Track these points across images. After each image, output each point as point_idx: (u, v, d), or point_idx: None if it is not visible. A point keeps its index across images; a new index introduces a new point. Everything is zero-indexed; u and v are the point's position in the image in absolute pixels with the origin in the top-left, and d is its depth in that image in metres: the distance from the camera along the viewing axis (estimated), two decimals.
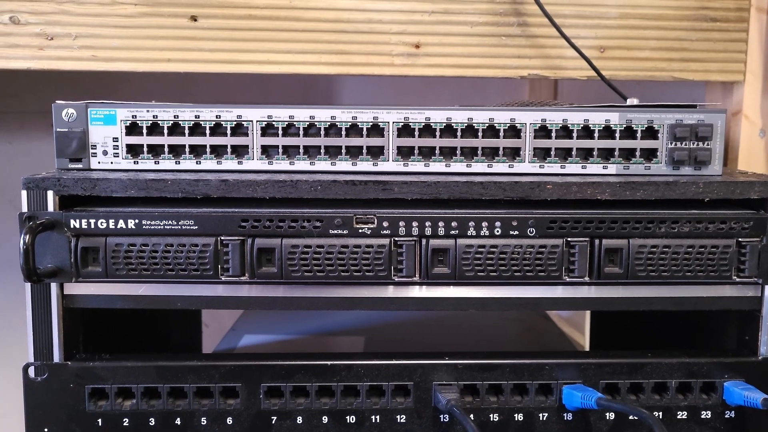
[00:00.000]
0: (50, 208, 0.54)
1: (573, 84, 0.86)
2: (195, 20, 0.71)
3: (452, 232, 0.54)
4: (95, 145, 0.58)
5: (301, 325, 0.92)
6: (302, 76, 0.74)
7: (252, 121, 0.58)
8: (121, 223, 0.54)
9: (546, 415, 0.56)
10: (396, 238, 0.54)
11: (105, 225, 0.54)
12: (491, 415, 0.55)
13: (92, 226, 0.54)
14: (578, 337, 1.08)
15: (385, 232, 0.54)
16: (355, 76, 0.78)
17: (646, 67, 0.76)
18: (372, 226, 0.54)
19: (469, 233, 0.54)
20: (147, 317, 0.70)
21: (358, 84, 1.13)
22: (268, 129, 0.58)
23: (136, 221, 0.54)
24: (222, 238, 0.54)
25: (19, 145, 1.14)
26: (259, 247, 0.54)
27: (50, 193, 0.54)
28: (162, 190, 0.54)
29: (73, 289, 0.55)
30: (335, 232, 0.54)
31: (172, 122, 0.58)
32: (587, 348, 0.94)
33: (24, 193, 0.53)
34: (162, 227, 0.54)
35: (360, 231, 0.54)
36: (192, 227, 0.54)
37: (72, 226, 0.54)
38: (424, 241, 0.54)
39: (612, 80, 0.74)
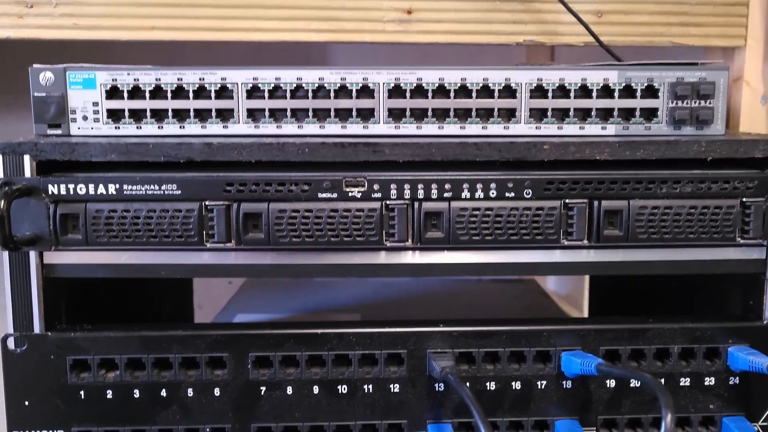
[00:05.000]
0: (27, 173, 0.52)
1: (570, 52, 0.84)
2: None
3: (446, 194, 0.52)
4: (74, 110, 0.56)
5: (295, 304, 0.91)
6: (291, 44, 0.72)
7: (237, 83, 0.56)
8: (101, 189, 0.52)
9: (544, 382, 0.54)
10: (387, 202, 0.52)
11: (84, 191, 0.52)
12: (488, 384, 0.54)
13: (71, 192, 0.52)
14: (576, 315, 1.07)
15: (376, 195, 0.52)
16: (347, 45, 0.76)
17: (644, 32, 0.74)
18: (362, 190, 0.52)
19: (463, 196, 0.52)
20: (136, 289, 0.68)
21: (350, 54, 1.11)
22: (253, 92, 0.56)
23: (117, 186, 0.52)
24: (206, 203, 0.52)
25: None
26: (245, 212, 0.52)
27: (27, 158, 0.52)
28: (143, 154, 0.52)
29: (53, 258, 0.53)
30: (324, 195, 0.52)
31: (154, 86, 0.56)
32: None
33: None
34: (144, 192, 0.52)
35: (350, 194, 0.52)
36: (175, 192, 0.52)
37: (50, 192, 0.52)
38: (416, 204, 0.52)
39: (610, 46, 0.71)
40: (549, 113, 0.56)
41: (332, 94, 0.56)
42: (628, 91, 0.56)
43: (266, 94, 0.56)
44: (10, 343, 0.52)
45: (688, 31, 0.75)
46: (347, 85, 0.56)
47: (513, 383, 0.54)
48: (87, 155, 0.52)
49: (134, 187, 0.52)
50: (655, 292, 0.71)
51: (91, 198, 0.52)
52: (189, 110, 0.56)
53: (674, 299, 0.67)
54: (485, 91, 0.56)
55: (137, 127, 0.56)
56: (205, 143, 0.52)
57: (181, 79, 0.56)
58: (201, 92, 0.56)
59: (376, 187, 0.52)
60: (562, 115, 0.56)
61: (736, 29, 0.75)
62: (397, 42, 0.73)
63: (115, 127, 0.56)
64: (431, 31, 0.72)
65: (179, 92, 0.56)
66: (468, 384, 0.53)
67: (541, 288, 1.04)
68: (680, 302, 0.66)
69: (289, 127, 0.56)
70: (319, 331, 0.53)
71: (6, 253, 0.52)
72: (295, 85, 0.56)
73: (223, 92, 0.56)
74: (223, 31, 0.70)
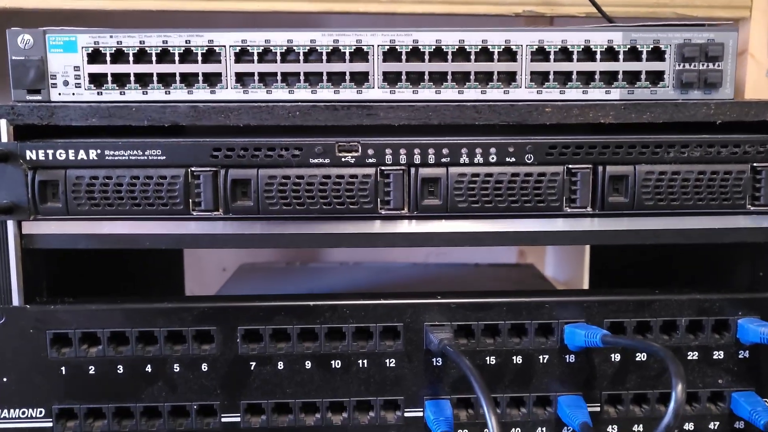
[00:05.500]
0: (3, 138, 0.49)
1: (570, 24, 0.82)
2: None
3: (443, 159, 0.50)
4: (55, 75, 0.53)
5: (289, 289, 0.89)
6: (283, 15, 0.70)
7: (225, 46, 0.53)
8: (81, 154, 0.49)
9: (546, 357, 0.52)
10: (382, 168, 0.50)
11: (64, 156, 0.49)
12: (487, 358, 0.51)
13: (50, 158, 0.49)
14: None
15: (370, 160, 0.50)
16: (340, 15, 0.74)
17: (647, 2, 0.72)
18: (356, 155, 0.50)
19: (461, 161, 0.50)
20: (124, 262, 0.66)
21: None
22: (242, 55, 0.53)
23: (98, 151, 0.49)
24: (192, 169, 0.50)
25: None
26: (233, 179, 0.50)
27: (3, 122, 0.49)
28: (126, 117, 0.50)
29: (32, 228, 0.50)
30: (316, 161, 0.50)
31: (138, 49, 0.53)
32: None
33: None
34: (127, 158, 0.50)
35: (343, 160, 0.50)
36: (159, 157, 0.50)
37: (28, 158, 0.49)
38: (412, 170, 0.50)
39: (612, 17, 0.69)
40: (551, 77, 0.54)
41: (324, 57, 0.53)
42: (633, 54, 0.54)
43: (255, 58, 0.53)
44: None
45: (692, 2, 0.72)
46: (340, 47, 0.53)
47: (514, 357, 0.51)
48: (67, 119, 0.50)
49: (117, 153, 0.49)
50: (659, 275, 0.68)
51: (71, 164, 0.49)
52: (175, 75, 0.53)
53: (680, 273, 0.65)
54: (484, 54, 0.53)
55: (120, 93, 0.54)
56: (191, 106, 0.50)
57: (167, 42, 0.53)
58: (187, 56, 0.53)
59: (370, 152, 0.50)
60: (564, 79, 0.54)
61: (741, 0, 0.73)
62: (392, 12, 0.71)
63: (98, 93, 0.54)
64: (427, 1, 0.70)
65: (164, 56, 0.53)
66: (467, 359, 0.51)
67: (540, 272, 1.02)
68: (687, 276, 0.64)
69: (280, 93, 0.54)
70: (311, 303, 0.51)
71: None
72: (285, 47, 0.53)
73: (211, 56, 0.54)
74: (212, 0, 0.68)
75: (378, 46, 0.53)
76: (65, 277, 0.55)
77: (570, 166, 0.50)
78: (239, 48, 0.53)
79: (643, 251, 0.64)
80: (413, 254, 1.11)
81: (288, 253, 1.11)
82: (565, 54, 0.54)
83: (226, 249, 1.07)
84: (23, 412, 0.51)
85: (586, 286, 1.01)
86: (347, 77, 0.53)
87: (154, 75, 0.53)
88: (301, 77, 0.54)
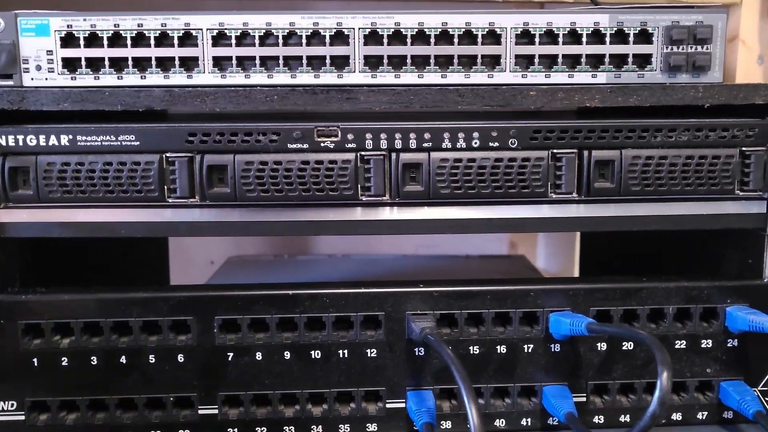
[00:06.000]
0: None
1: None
2: None
3: (425, 144, 0.49)
4: (27, 59, 0.52)
5: (277, 280, 0.87)
6: (265, 1, 0.68)
7: (201, 29, 0.52)
8: (53, 140, 0.48)
9: (531, 346, 0.50)
10: (362, 153, 0.49)
11: (35, 142, 0.48)
12: (471, 348, 0.50)
13: (21, 144, 0.48)
14: None
15: (350, 145, 0.49)
16: (323, 2, 0.73)
17: None
18: (335, 140, 0.49)
19: (443, 146, 0.49)
20: (104, 253, 0.64)
21: None
22: (220, 39, 0.52)
23: (70, 137, 0.48)
24: (167, 155, 0.48)
25: None
26: (209, 165, 0.48)
27: None
28: (99, 102, 0.48)
29: (3, 216, 0.49)
30: (294, 146, 0.49)
31: (112, 32, 0.52)
32: None
33: None
34: (99, 143, 0.48)
35: (322, 145, 0.49)
36: (133, 143, 0.48)
37: None
38: (393, 155, 0.49)
39: (602, 4, 0.68)
40: (536, 60, 0.52)
41: (304, 41, 0.52)
42: (620, 36, 0.52)
43: (233, 41, 0.52)
44: None
45: None
46: (320, 30, 0.52)
47: (498, 347, 0.50)
48: (38, 104, 0.48)
49: (89, 138, 0.48)
50: (650, 265, 0.67)
51: (42, 150, 0.48)
52: (150, 59, 0.52)
53: (668, 262, 0.64)
54: (468, 37, 0.52)
55: (95, 78, 0.52)
56: (166, 90, 0.49)
57: (142, 25, 0.52)
58: (163, 39, 0.52)
59: (350, 136, 0.49)
60: (549, 62, 0.53)
61: None
62: None
63: (71, 78, 0.52)
64: None
65: (140, 39, 0.52)
66: (450, 348, 0.50)
67: (531, 264, 1.01)
68: (676, 265, 0.63)
69: (258, 77, 0.52)
70: (290, 292, 0.49)
71: None
72: (264, 31, 0.52)
73: (187, 39, 0.52)
74: None
75: (359, 29, 0.52)
76: (40, 267, 0.54)
77: (555, 150, 0.49)
78: (216, 31, 0.52)
79: (634, 241, 0.63)
80: (403, 246, 1.10)
81: (276, 245, 1.10)
82: (550, 37, 0.53)
83: (213, 242, 1.06)
84: None
85: (577, 271, 1.00)
86: (327, 61, 0.52)
87: (129, 59, 0.52)
88: (280, 61, 0.52)
